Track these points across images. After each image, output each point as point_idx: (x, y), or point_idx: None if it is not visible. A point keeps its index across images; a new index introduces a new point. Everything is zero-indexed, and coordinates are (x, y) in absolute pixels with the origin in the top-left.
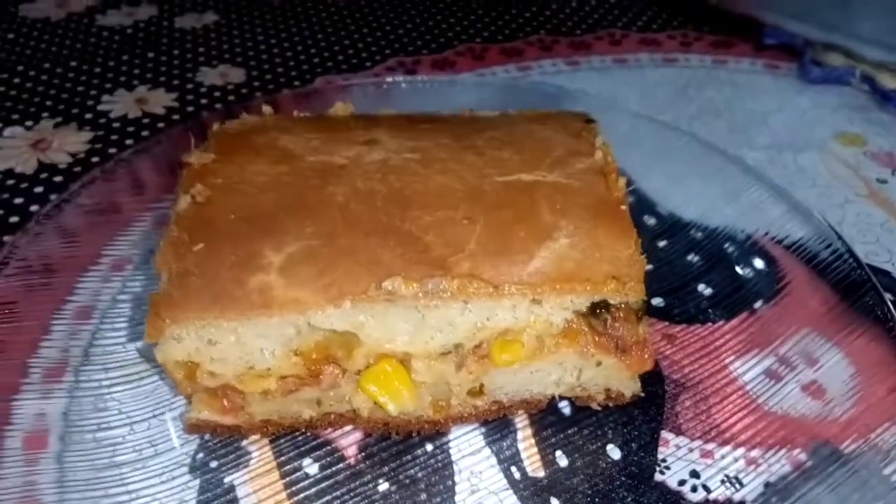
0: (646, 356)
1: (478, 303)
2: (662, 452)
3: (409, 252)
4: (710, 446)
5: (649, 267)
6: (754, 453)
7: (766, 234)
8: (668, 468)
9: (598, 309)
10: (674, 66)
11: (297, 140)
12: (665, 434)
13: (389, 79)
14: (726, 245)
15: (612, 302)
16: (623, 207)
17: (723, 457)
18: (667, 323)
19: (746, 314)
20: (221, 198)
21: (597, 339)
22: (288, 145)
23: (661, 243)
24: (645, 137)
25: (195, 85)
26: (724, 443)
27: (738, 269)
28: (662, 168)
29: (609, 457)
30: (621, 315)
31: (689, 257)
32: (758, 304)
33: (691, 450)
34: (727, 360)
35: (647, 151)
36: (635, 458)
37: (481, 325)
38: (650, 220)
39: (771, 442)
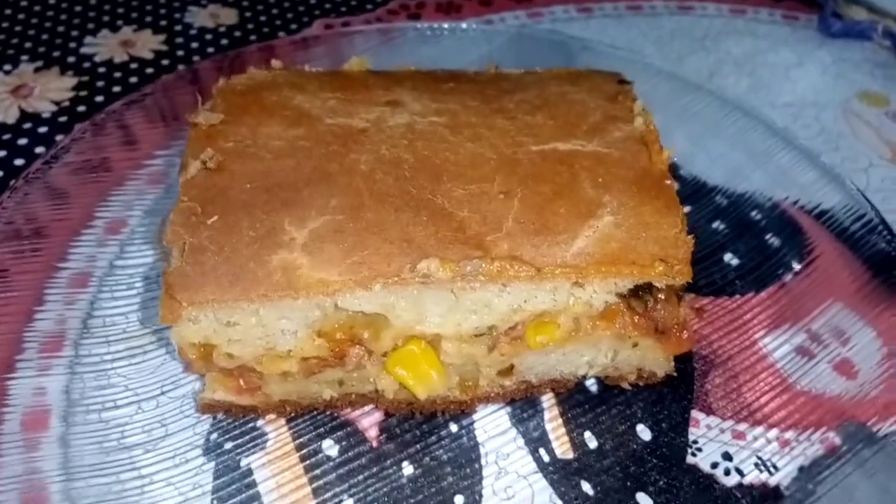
0: (685, 337)
1: (517, 285)
2: (693, 433)
3: (443, 230)
4: (741, 427)
5: None
6: (788, 435)
7: (795, 202)
8: (699, 450)
9: (640, 291)
10: (690, 15)
11: (313, 100)
12: (695, 413)
13: (396, 25)
14: (753, 212)
15: (656, 284)
16: (668, 182)
17: (755, 438)
18: (693, 295)
19: (775, 287)
20: (234, 164)
21: (636, 320)
22: (303, 105)
23: (686, 209)
24: (667, 96)
25: (184, 27)
26: (756, 423)
27: (765, 238)
28: (685, 129)
29: (639, 438)
30: (663, 296)
31: (715, 225)
32: (787, 277)
33: (723, 430)
34: (756, 336)
35: (668, 111)
36: (666, 439)
37: (518, 308)
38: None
39: (804, 423)
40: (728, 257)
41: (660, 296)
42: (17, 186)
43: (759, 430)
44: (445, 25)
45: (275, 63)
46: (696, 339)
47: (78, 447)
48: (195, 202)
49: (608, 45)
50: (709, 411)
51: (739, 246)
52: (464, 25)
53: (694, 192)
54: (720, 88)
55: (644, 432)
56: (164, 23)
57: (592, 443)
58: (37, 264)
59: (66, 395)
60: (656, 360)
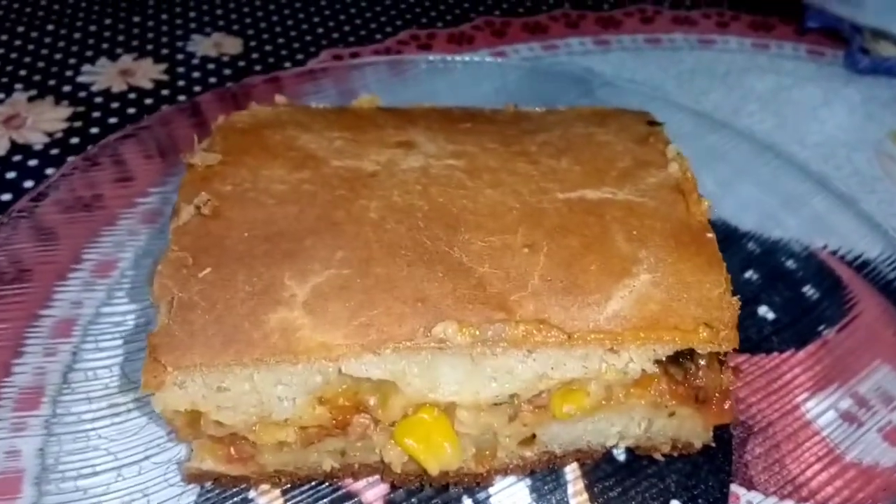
0: (726, 406)
1: (544, 352)
2: None
3: (461, 287)
4: (786, 503)
5: None
6: None
7: (835, 252)
8: None
9: (680, 357)
10: (711, 50)
11: (319, 139)
12: (735, 488)
13: (407, 58)
14: (788, 262)
15: (698, 350)
16: (710, 235)
17: None
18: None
19: (816, 345)
20: (232, 210)
21: (674, 388)
22: (308, 145)
23: None
24: (692, 134)
25: (186, 56)
26: (803, 500)
27: (802, 290)
28: (712, 170)
29: None
30: (704, 362)
31: (748, 275)
32: (827, 333)
33: None
34: (798, 399)
35: (694, 150)
36: None
37: (544, 375)
38: None
39: (856, 500)
40: (763, 310)
41: (701, 362)
42: (1, 225)
43: None
44: (458, 58)
45: (279, 99)
46: (733, 410)
47: None
48: (187, 252)
49: (628, 81)
50: (749, 485)
51: (775, 298)
52: (478, 58)
53: (724, 239)
54: (746, 127)
55: None
56: (165, 51)
57: None
58: (18, 310)
59: (40, 458)
60: (694, 430)
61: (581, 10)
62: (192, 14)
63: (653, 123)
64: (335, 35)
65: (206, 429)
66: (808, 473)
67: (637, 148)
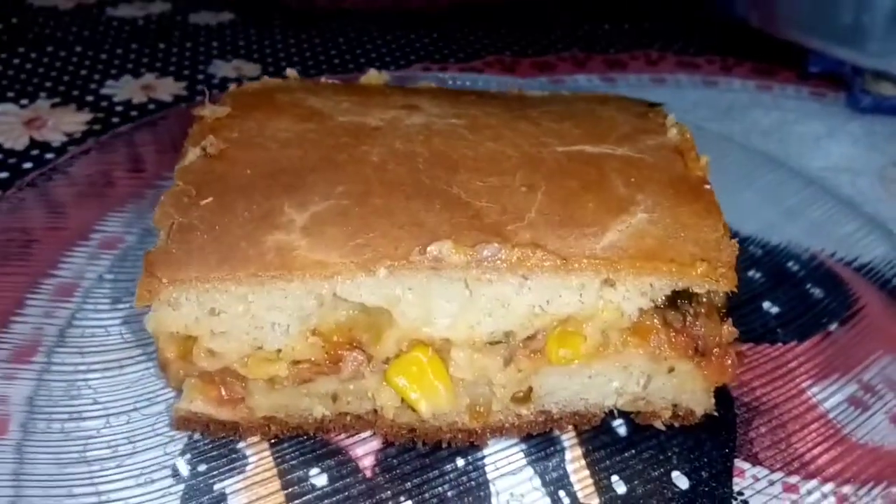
0: (728, 363)
1: (540, 279)
2: (738, 484)
3: (458, 216)
4: (793, 479)
5: None
6: (846, 490)
7: (832, 254)
8: (745, 502)
9: (678, 299)
10: (715, 89)
11: (326, 101)
12: (739, 463)
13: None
14: (789, 263)
15: (697, 291)
16: (707, 186)
17: (809, 492)
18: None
19: (819, 336)
20: (237, 152)
21: (673, 337)
22: (315, 105)
23: None
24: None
25: (206, 76)
26: (810, 476)
27: (805, 288)
28: (713, 180)
29: (675, 485)
30: (703, 310)
31: (751, 273)
32: (832, 327)
33: (772, 482)
34: (804, 385)
35: None
36: (706, 489)
37: (540, 310)
38: None
39: (863, 478)
40: (767, 305)
41: (700, 309)
42: (12, 193)
43: (813, 483)
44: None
45: (290, 72)
46: (737, 375)
47: (32, 456)
48: (190, 186)
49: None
50: (755, 461)
51: (779, 294)
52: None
53: None
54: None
55: (680, 479)
56: (187, 72)
57: (621, 488)
58: (22, 270)
59: (29, 403)
60: (695, 392)
61: (589, 52)
62: (214, 43)
63: (653, 105)
64: (350, 66)
65: (197, 360)
66: (816, 451)
67: (637, 120)
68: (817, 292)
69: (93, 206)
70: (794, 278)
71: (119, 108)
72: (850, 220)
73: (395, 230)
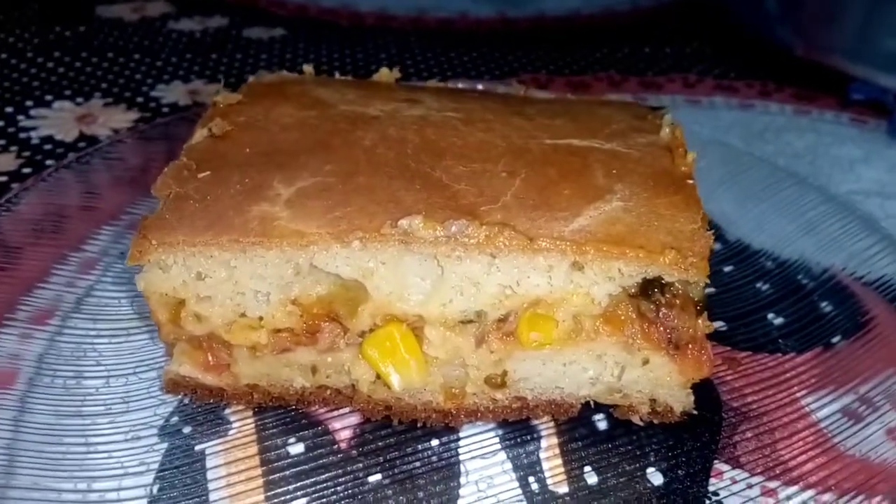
0: (703, 358)
1: (508, 259)
2: (714, 484)
3: (436, 196)
4: (773, 484)
5: (710, 290)
6: (826, 497)
7: (844, 268)
8: (719, 503)
9: (650, 289)
10: (751, 111)
11: (332, 93)
12: (719, 464)
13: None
14: (800, 277)
15: (668, 280)
16: (691, 182)
17: (788, 498)
18: (729, 348)
19: (821, 348)
20: (240, 133)
21: (646, 328)
22: (322, 95)
23: (727, 268)
24: (711, 158)
25: None
26: (791, 482)
27: (814, 301)
28: (729, 191)
29: (648, 481)
30: (678, 302)
31: (759, 285)
32: (835, 339)
33: (750, 485)
34: (798, 394)
35: (713, 175)
36: (680, 487)
37: (510, 291)
38: (714, 246)
39: (847, 486)
40: (771, 316)
41: (675, 300)
42: (49, 174)
43: (794, 489)
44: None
45: (306, 68)
46: (714, 367)
47: (33, 406)
48: (192, 161)
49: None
50: (735, 464)
51: (785, 307)
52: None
53: (737, 254)
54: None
55: (655, 476)
56: (233, 80)
57: (592, 478)
58: (51, 245)
59: (39, 360)
60: (672, 388)
61: (625, 74)
62: (263, 55)
63: (656, 109)
64: None
65: (185, 324)
66: (801, 459)
67: (634, 120)
68: (826, 306)
69: (126, 190)
70: (803, 291)
71: (165, 110)
72: (867, 235)
73: (372, 206)
